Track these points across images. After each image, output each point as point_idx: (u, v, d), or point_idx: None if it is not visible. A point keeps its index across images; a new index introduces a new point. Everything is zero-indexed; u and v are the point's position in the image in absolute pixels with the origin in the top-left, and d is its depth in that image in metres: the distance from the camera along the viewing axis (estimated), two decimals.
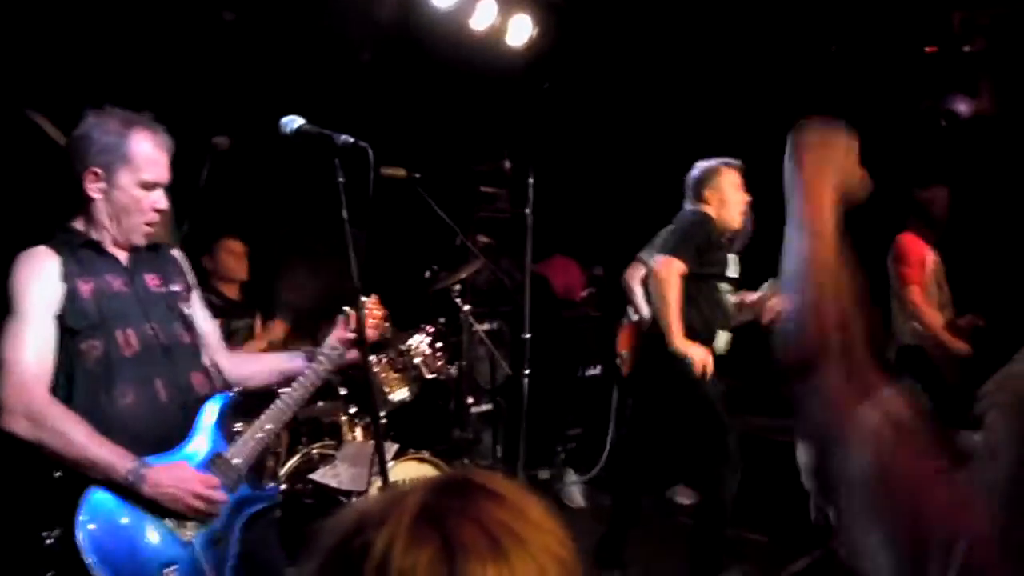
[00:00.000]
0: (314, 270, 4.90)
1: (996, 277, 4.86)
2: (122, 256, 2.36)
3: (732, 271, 4.18)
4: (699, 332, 3.99)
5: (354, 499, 3.41)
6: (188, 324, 2.44)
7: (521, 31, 5.48)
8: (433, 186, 4.06)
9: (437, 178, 4.25)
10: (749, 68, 5.77)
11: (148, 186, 2.27)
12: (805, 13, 5.30)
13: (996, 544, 0.98)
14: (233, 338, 4.40)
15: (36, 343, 2.14)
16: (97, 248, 2.31)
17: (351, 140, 2.16)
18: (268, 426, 2.43)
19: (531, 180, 4.25)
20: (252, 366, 2.66)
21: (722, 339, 4.11)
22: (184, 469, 2.21)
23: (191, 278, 2.58)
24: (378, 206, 2.10)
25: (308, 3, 4.59)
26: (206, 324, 2.57)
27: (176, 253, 2.57)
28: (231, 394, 2.45)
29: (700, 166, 4.19)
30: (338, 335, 2.57)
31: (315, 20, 4.70)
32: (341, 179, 2.12)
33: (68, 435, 2.08)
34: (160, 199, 2.31)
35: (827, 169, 1.38)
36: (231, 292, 4.69)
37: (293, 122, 2.25)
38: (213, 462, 2.30)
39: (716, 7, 5.45)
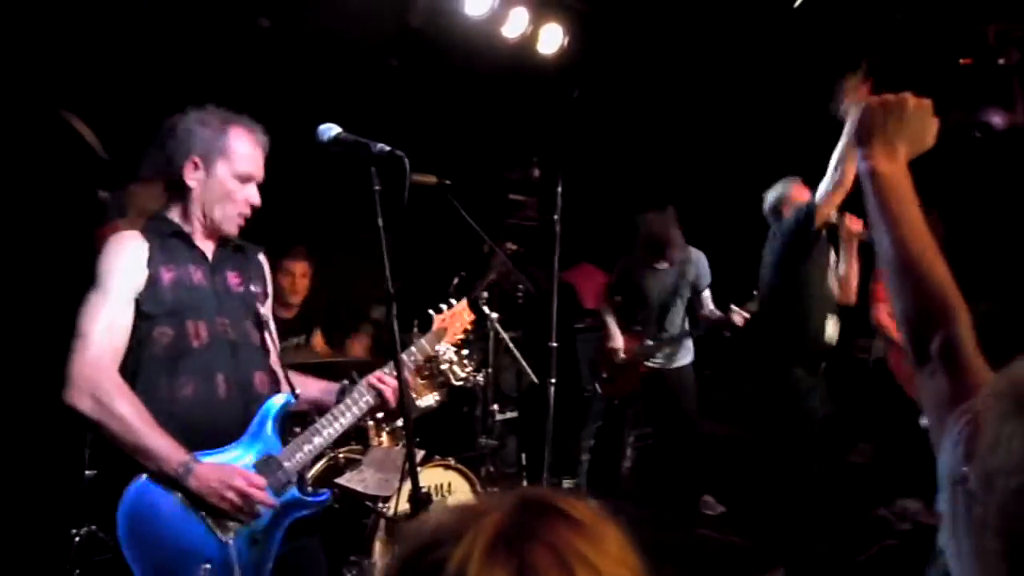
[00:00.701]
0: (346, 275, 4.92)
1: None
2: (208, 250, 2.41)
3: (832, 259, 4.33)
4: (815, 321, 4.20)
5: (381, 505, 3.42)
6: (260, 324, 2.47)
7: (552, 40, 5.50)
8: (462, 193, 4.06)
9: (466, 185, 4.26)
10: (779, 78, 5.75)
11: (243, 178, 2.35)
12: (837, 24, 5.27)
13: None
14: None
15: (113, 322, 2.19)
16: (186, 239, 2.36)
17: (387, 148, 2.16)
18: (326, 433, 2.42)
19: (559, 188, 4.26)
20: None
21: (831, 327, 4.26)
22: (232, 468, 2.22)
23: (269, 286, 2.61)
24: (407, 212, 2.11)
25: (342, 11, 4.62)
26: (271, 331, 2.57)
27: (262, 257, 2.60)
28: (293, 398, 2.45)
29: (769, 195, 4.38)
30: (375, 379, 2.51)
31: (347, 27, 4.73)
32: (377, 187, 2.13)
33: (129, 421, 2.11)
34: (253, 194, 2.38)
35: (898, 149, 1.34)
36: (287, 314, 4.51)
37: (330, 130, 2.25)
38: (264, 463, 2.30)
39: (747, 19, 5.43)
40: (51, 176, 3.95)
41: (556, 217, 4.23)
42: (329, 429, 2.43)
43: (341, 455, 3.80)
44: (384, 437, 3.94)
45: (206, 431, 2.24)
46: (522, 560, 0.75)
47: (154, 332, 2.24)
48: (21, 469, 3.67)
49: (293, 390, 2.45)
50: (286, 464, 2.34)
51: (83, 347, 2.15)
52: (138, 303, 2.23)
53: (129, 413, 2.12)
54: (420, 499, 2.12)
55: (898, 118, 1.36)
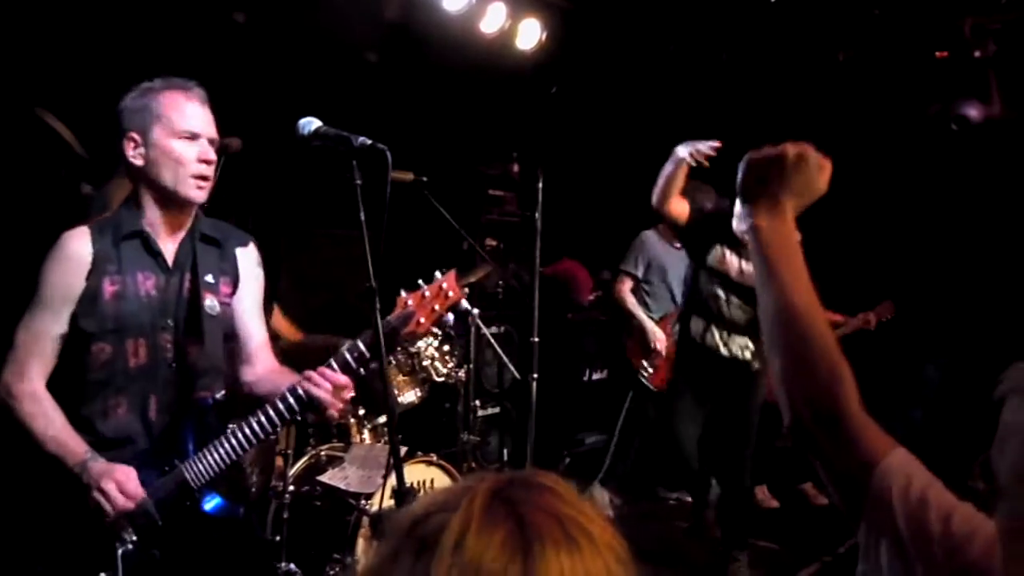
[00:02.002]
0: (321, 271, 4.90)
1: (996, 278, 4.88)
2: (170, 251, 2.28)
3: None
4: None
5: (363, 502, 3.41)
6: (209, 332, 2.27)
7: (530, 35, 5.48)
8: (441, 189, 4.04)
9: (445, 181, 4.24)
10: (758, 74, 5.77)
11: (186, 136, 2.21)
12: (815, 17, 5.30)
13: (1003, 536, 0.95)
14: None
15: (40, 332, 2.19)
16: (145, 240, 2.25)
17: (368, 142, 2.12)
18: (235, 441, 2.21)
19: (540, 183, 4.25)
20: (268, 387, 2.37)
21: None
22: (111, 469, 2.12)
23: (246, 278, 2.42)
24: (387, 207, 2.07)
25: (317, 5, 4.58)
26: (250, 325, 2.43)
27: (241, 250, 2.42)
28: (214, 399, 2.30)
29: None
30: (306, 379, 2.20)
31: (324, 22, 4.69)
32: (359, 181, 2.09)
33: (32, 426, 2.15)
34: (206, 151, 2.23)
35: (783, 203, 1.28)
36: None
37: (311, 124, 2.20)
38: (165, 471, 2.20)
39: (726, 14, 5.45)
40: (28, 175, 3.89)
41: (536, 213, 4.22)
42: (240, 435, 2.21)
43: (323, 452, 3.78)
44: (366, 434, 3.93)
45: (137, 452, 2.20)
46: (520, 520, 0.77)
47: (92, 347, 2.18)
48: None
49: (213, 393, 2.30)
50: (187, 474, 2.19)
51: (11, 355, 2.19)
52: (76, 317, 2.18)
53: (33, 419, 2.16)
54: (404, 493, 2.09)
55: (779, 172, 1.28)
